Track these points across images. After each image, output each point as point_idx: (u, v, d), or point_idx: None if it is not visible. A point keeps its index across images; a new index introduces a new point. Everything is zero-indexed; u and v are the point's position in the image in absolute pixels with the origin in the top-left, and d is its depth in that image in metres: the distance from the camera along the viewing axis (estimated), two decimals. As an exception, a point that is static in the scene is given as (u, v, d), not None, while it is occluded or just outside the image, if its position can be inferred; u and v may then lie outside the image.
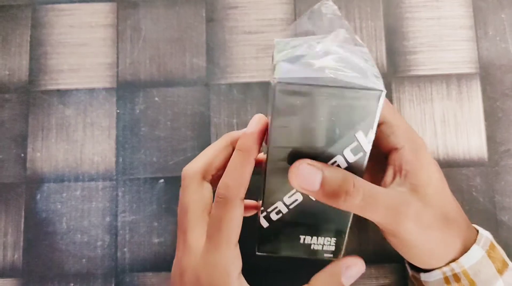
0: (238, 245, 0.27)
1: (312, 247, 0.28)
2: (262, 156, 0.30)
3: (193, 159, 0.30)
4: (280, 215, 0.27)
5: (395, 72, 0.38)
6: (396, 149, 0.28)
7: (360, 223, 0.36)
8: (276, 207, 0.27)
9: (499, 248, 0.29)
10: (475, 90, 0.37)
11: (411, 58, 0.38)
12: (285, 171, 0.25)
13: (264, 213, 0.27)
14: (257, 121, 0.27)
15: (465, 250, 0.28)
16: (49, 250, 0.37)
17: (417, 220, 0.26)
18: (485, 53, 0.38)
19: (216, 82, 0.38)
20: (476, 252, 0.28)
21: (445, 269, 0.28)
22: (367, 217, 0.26)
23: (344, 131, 0.24)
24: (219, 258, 0.26)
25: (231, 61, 0.38)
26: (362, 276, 0.35)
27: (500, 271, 0.28)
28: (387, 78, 0.38)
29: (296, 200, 0.27)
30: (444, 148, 0.37)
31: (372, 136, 0.24)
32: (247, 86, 0.38)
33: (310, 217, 0.27)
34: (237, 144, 0.27)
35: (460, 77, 0.38)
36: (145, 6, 0.39)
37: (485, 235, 0.29)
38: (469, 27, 0.38)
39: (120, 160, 0.37)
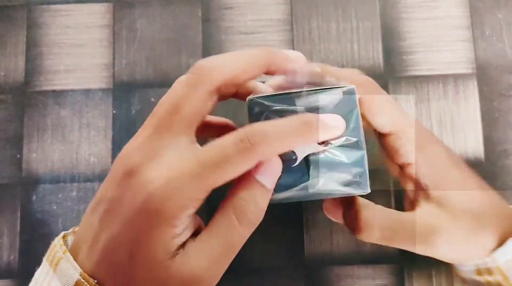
0: (195, 141, 0.23)
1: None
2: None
3: (221, 60, 0.24)
4: None
5: (392, 72, 0.38)
6: (409, 164, 0.27)
7: (357, 223, 0.36)
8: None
9: None
10: (472, 90, 0.37)
11: (407, 58, 0.38)
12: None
13: None
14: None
15: (501, 241, 0.26)
16: (45, 251, 0.36)
17: (449, 239, 0.26)
18: (482, 53, 0.38)
19: (212, 82, 0.38)
20: None
21: (479, 262, 0.27)
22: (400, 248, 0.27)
23: None
24: (158, 147, 0.21)
25: (227, 61, 0.38)
26: (359, 276, 0.35)
27: None
28: (383, 78, 0.38)
29: None
30: (440, 148, 0.37)
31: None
32: (243, 86, 0.38)
33: None
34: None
35: (456, 77, 0.37)
36: (141, 6, 0.39)
37: None
38: (466, 27, 0.38)
39: (116, 161, 0.37)
